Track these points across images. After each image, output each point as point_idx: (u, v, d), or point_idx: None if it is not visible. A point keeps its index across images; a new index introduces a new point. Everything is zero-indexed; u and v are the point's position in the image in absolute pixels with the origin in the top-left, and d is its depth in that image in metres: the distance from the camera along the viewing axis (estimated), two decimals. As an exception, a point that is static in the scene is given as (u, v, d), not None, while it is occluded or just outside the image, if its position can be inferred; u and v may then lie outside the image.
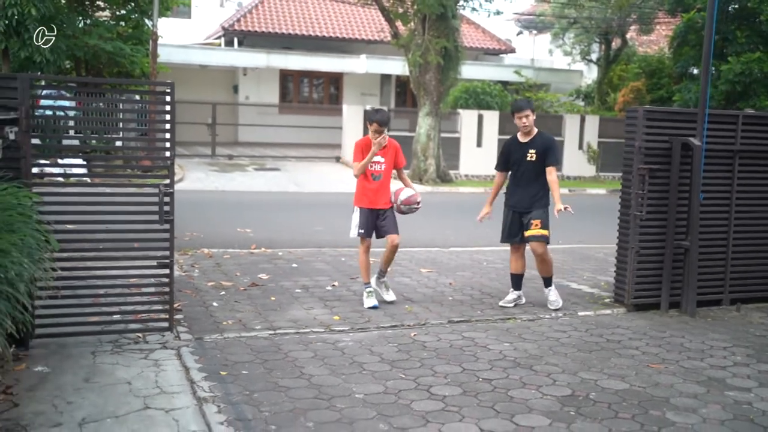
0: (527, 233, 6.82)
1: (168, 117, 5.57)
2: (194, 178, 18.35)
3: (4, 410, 4.17)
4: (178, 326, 5.87)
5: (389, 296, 7.01)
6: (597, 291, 7.88)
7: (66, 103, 11.37)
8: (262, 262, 8.66)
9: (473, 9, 22.27)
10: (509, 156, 7.01)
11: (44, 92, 12.08)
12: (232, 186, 17.89)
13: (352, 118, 22.02)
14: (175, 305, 6.04)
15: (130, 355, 5.19)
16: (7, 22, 13.85)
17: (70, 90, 10.19)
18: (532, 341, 5.92)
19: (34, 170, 5.43)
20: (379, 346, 5.64)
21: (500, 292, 7.47)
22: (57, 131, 8.26)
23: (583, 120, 23.60)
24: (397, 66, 25.32)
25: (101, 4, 19.85)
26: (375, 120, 6.70)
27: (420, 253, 9.67)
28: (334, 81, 28.81)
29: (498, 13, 22.83)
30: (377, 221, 6.84)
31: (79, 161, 8.06)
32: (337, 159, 22.65)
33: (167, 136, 5.62)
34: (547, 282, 7.06)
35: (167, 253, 5.60)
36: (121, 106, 6.55)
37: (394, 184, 7.00)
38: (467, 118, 22.18)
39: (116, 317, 5.83)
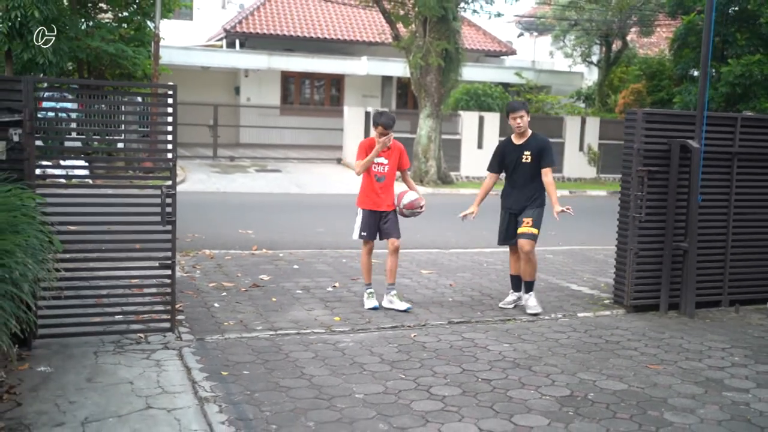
0: (518, 230, 6.78)
1: (170, 119, 5.61)
2: (196, 180, 18.38)
3: (8, 409, 4.20)
4: (180, 327, 5.91)
5: (402, 305, 6.80)
6: (597, 292, 7.91)
7: (69, 105, 11.41)
8: (264, 263, 8.70)
9: (474, 11, 22.21)
10: (503, 158, 6.99)
11: (47, 94, 12.12)
12: (234, 187, 17.91)
13: (353, 119, 22.05)
14: (177, 306, 6.09)
15: (132, 356, 5.22)
16: (10, 24, 13.88)
17: (72, 92, 10.23)
18: (532, 342, 5.95)
19: (38, 172, 5.47)
20: (380, 346, 5.68)
21: (500, 294, 7.51)
22: (60, 133, 8.31)
23: (583, 122, 23.61)
24: (398, 68, 25.38)
25: (104, 6, 19.91)
26: (380, 123, 6.69)
27: (421, 255, 9.70)
28: (336, 83, 28.85)
29: (499, 15, 22.80)
30: (380, 223, 6.86)
31: (82, 163, 8.11)
32: (339, 161, 22.67)
33: (169, 137, 5.67)
34: (529, 287, 6.94)
35: (169, 254, 5.64)
36: (123, 108, 6.59)
37: (398, 187, 7.02)
38: (468, 119, 22.20)
39: (118, 318, 5.88)
